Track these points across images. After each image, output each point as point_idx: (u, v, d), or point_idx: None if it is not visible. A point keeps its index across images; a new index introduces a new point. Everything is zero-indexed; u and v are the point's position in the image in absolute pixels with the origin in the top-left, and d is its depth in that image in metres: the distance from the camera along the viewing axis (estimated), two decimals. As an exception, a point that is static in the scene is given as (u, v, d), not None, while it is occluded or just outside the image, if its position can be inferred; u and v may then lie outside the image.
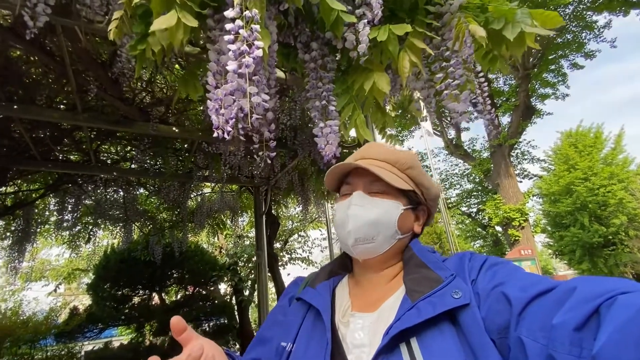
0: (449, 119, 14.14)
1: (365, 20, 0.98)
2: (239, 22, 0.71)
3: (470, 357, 0.50)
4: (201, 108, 3.86)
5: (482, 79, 1.34)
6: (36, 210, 4.98)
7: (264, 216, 5.19)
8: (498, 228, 14.04)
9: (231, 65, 0.71)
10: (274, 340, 0.70)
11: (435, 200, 0.79)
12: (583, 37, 11.32)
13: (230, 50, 0.71)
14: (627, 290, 0.39)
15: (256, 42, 0.71)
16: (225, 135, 0.85)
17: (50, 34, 2.45)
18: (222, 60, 0.88)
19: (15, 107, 2.70)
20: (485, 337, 0.50)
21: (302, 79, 2.44)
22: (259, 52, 0.70)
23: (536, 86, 12.80)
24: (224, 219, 6.78)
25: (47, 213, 5.44)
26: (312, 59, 1.07)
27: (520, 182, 14.73)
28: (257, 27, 0.71)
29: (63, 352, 5.65)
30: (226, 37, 0.72)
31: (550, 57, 11.60)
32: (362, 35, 0.97)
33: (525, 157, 15.46)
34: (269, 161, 0.97)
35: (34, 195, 4.66)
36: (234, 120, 0.86)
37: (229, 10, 0.73)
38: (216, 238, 8.91)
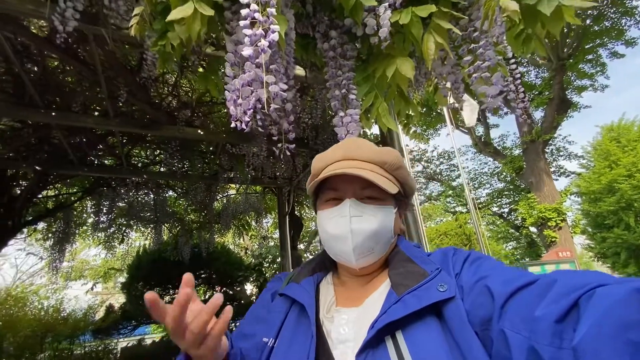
0: (477, 115, 13.63)
1: (387, 4, 0.94)
2: (254, 6, 0.68)
3: (455, 349, 0.50)
4: (225, 110, 3.94)
5: (514, 65, 1.25)
6: (75, 213, 5.28)
7: (287, 217, 5.21)
8: (532, 229, 13.32)
9: (247, 51, 0.69)
10: (255, 336, 0.68)
11: (413, 195, 0.79)
12: (623, 24, 10.55)
13: (246, 35, 0.68)
14: (605, 282, 0.39)
15: (272, 27, 0.69)
16: (244, 126, 0.84)
17: (82, 43, 2.58)
18: (239, 51, 0.86)
19: (53, 114, 2.87)
20: (469, 330, 0.50)
21: (322, 76, 2.41)
22: (275, 36, 0.68)
23: (572, 78, 12.06)
24: (249, 220, 6.89)
25: (84, 215, 5.75)
26: (331, 48, 1.03)
27: (556, 180, 13.94)
28: (273, 10, 0.69)
29: (100, 348, 5.93)
30: (242, 23, 0.70)
31: (587, 47, 10.89)
32: (383, 19, 0.93)
33: (561, 153, 14.61)
34: (288, 153, 0.94)
35: (72, 198, 4.95)
36: (252, 111, 0.84)
37: (245, -4, 0.71)
38: (241, 239, 9.07)
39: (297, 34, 1.14)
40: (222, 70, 1.28)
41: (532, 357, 0.40)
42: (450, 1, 0.96)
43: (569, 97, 11.72)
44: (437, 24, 0.92)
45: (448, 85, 1.08)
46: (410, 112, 1.14)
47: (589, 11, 10.18)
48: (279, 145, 0.95)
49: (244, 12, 0.71)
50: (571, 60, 10.63)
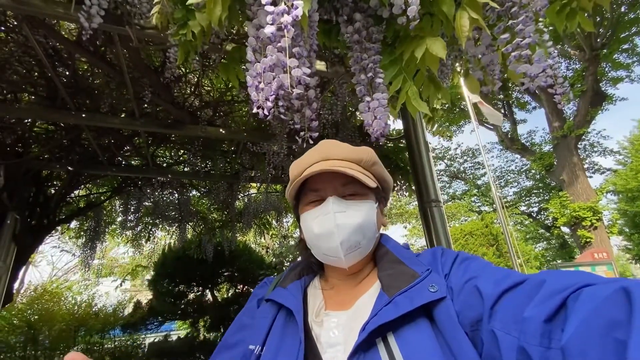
0: (503, 110, 13.15)
1: (415, -19, 0.88)
2: (276, -19, 0.65)
3: (447, 350, 0.50)
4: (246, 109, 3.97)
5: (551, 47, 1.15)
6: (104, 212, 5.49)
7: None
8: (565, 229, 12.69)
9: (269, 29, 0.65)
10: (241, 345, 0.67)
11: (391, 190, 0.79)
12: (663, 10, 9.83)
13: (268, 12, 0.65)
14: (592, 282, 0.40)
15: (295, 2, 0.65)
16: (266, 112, 0.80)
17: (109, 45, 2.66)
18: (261, 34, 0.83)
19: (84, 115, 2.98)
20: (459, 331, 0.50)
21: (343, 70, 2.35)
22: (299, 12, 0.64)
23: (606, 69, 11.39)
24: (270, 219, 6.93)
25: (113, 214, 5.98)
26: (355, 31, 0.98)
27: (590, 177, 13.18)
28: (296, -16, 0.65)
29: (128, 342, 6.14)
30: (264, 0, 0.66)
31: (622, 36, 10.24)
32: (411, -3, 0.87)
33: (596, 149, 13.85)
34: (311, 142, 0.90)
35: (102, 197, 5.15)
36: (274, 97, 0.81)
37: (266, -27, 0.67)
38: (262, 238, 9.15)
39: (320, 19, 1.09)
40: (243, 60, 1.27)
41: (522, 357, 0.40)
42: (485, -26, 0.89)
43: (603, 89, 11.07)
44: (471, -2, 0.85)
45: (483, 64, 1.01)
46: (440, 98, 1.07)
47: (625, -3, 9.56)
48: (302, 133, 0.91)
49: (265, -12, 0.67)
50: (605, 51, 10.03)
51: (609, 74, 11.64)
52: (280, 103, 0.87)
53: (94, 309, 6.03)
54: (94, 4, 1.29)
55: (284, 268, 7.18)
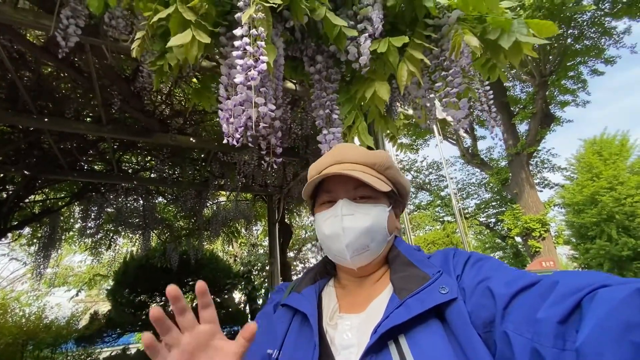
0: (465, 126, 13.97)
1: (367, 34, 1.04)
2: (246, 39, 0.78)
3: (459, 352, 0.50)
4: (217, 119, 4.01)
5: (487, 87, 1.37)
6: (62, 218, 5.23)
7: (277, 225, 5.26)
8: (518, 239, 13.61)
9: (238, 78, 0.78)
10: (259, 349, 0.67)
11: (408, 195, 0.79)
12: (602, 43, 11.07)
13: (238, 64, 0.77)
14: (608, 283, 0.40)
15: (261, 57, 0.78)
16: (235, 142, 0.92)
17: (79, 52, 2.64)
18: (232, 74, 0.95)
19: (46, 120, 2.90)
20: (472, 332, 0.50)
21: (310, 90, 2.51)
22: (264, 66, 0.77)
23: (555, 93, 12.54)
24: (239, 228, 6.90)
25: (71, 221, 5.69)
26: (317, 71, 1.13)
27: (541, 191, 14.32)
28: (263, 43, 0.78)
29: (83, 357, 5.81)
30: (234, 53, 0.79)
31: (568, 64, 11.37)
32: (363, 48, 1.03)
33: (546, 165, 15.06)
34: (275, 166, 1.03)
35: (60, 203, 4.91)
36: (242, 128, 0.93)
37: (238, 29, 0.80)
38: (231, 246, 9.04)
39: (288, 56, 1.23)
40: (215, 86, 1.37)
41: (535, 358, 0.40)
42: (424, 34, 1.08)
43: (552, 111, 12.15)
44: (411, 54, 1.03)
45: (423, 105, 1.19)
46: (388, 132, 1.24)
47: (570, 31, 10.66)
48: (267, 159, 1.03)
49: (236, 43, 0.80)
50: (554, 77, 11.08)
51: (557, 98, 12.82)
52: (249, 132, 0.99)
53: (44, 322, 5.65)
54: (71, 24, 1.34)
55: (252, 277, 7.13)
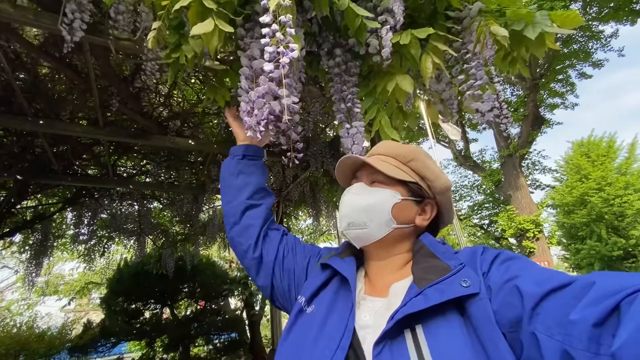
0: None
1: (388, 26, 1.02)
2: (275, 26, 0.75)
3: (479, 348, 0.49)
4: (216, 121, 3.97)
5: (498, 85, 1.36)
6: (54, 224, 5.08)
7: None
8: (512, 240, 13.75)
9: (267, 66, 0.75)
10: (296, 263, 0.85)
11: (446, 194, 0.77)
12: (590, 47, 11.36)
13: (267, 52, 0.75)
14: None
15: (291, 45, 0.75)
16: (258, 135, 0.89)
17: (77, 52, 2.58)
18: (254, 65, 0.92)
19: (41, 122, 2.82)
20: (496, 330, 0.49)
21: (316, 90, 2.49)
22: (295, 54, 0.74)
23: (544, 96, 12.78)
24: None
25: (64, 227, 5.54)
26: (336, 65, 1.11)
27: (532, 192, 14.51)
28: (292, 30, 0.76)
29: (76, 368, 5.64)
30: (262, 41, 0.76)
31: (557, 67, 11.63)
32: (385, 40, 1.01)
33: (537, 167, 15.29)
34: (297, 162, 1.00)
35: (52, 209, 4.77)
36: (265, 121, 0.90)
37: (265, 16, 0.78)
38: (227, 252, 8.92)
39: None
40: (228, 81, 1.34)
41: None
42: (445, 26, 1.06)
43: (542, 114, 12.37)
44: (434, 45, 1.01)
45: (444, 99, 1.18)
46: (406, 124, 1.22)
47: (558, 35, 10.94)
48: (288, 154, 1.00)
49: (264, 30, 0.77)
50: (543, 80, 11.30)
51: (547, 101, 13.08)
52: (270, 127, 0.96)
53: (36, 331, 5.47)
54: (77, 18, 1.30)
55: (248, 282, 7.03)
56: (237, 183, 0.93)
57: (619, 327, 0.36)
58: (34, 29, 2.94)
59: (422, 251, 0.68)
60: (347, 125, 1.02)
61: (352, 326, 0.59)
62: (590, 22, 10.47)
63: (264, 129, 0.90)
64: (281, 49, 0.74)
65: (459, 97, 1.15)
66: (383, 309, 0.61)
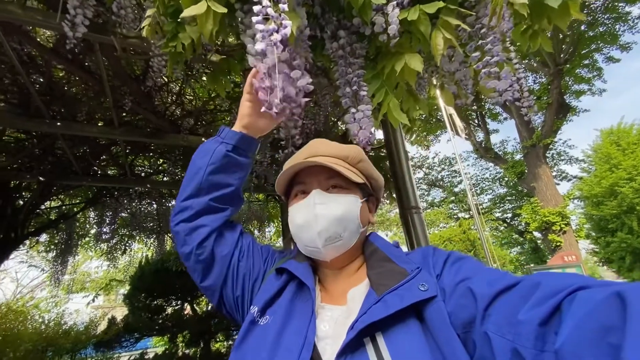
0: (476, 121, 13.73)
1: (395, 2, 0.95)
2: (266, 1, 0.70)
3: (436, 352, 0.50)
4: (228, 119, 3.97)
5: (517, 65, 1.26)
6: (77, 224, 5.27)
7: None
8: (537, 234, 13.26)
9: (259, 45, 0.70)
10: (255, 266, 0.76)
11: (382, 190, 0.80)
12: (617, 30, 10.71)
13: (259, 31, 0.70)
14: (586, 285, 0.40)
15: (284, 22, 0.70)
16: (275, 112, 0.81)
17: (88, 53, 2.62)
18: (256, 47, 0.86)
19: (59, 124, 2.89)
20: (451, 332, 0.50)
21: (326, 81, 2.43)
22: (287, 31, 0.68)
23: (569, 82, 12.18)
24: (252, 229, 6.86)
25: (87, 226, 5.74)
26: (340, 47, 1.04)
27: (558, 184, 13.91)
28: (285, 6, 0.70)
29: (102, 362, 5.84)
30: (254, 19, 0.71)
31: (582, 52, 11.04)
32: (391, 17, 0.94)
33: (562, 157, 14.66)
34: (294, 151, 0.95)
35: (75, 209, 4.94)
36: (281, 94, 0.82)
37: (257, -7, 0.72)
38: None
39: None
40: (230, 71, 1.30)
41: (516, 359, 0.41)
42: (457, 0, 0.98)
43: (567, 101, 11.81)
44: (445, 20, 0.93)
45: (457, 79, 1.09)
46: (418, 109, 1.15)
47: (580, 18, 10.36)
48: (285, 150, 0.95)
49: (256, 8, 0.72)
50: (568, 66, 10.76)
51: (572, 88, 12.46)
52: (276, 109, 0.88)
53: (63, 327, 5.70)
54: (79, 14, 1.29)
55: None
56: (210, 180, 0.75)
57: (560, 325, 0.38)
58: (47, 32, 3.02)
59: (376, 255, 0.67)
60: (353, 110, 0.96)
61: (312, 338, 0.56)
62: (616, 3, 9.86)
63: (280, 104, 0.82)
64: (273, 25, 0.69)
65: (475, 77, 1.07)
66: (342, 317, 0.59)
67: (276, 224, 7.76)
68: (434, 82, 1.76)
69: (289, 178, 0.75)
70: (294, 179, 0.75)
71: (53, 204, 4.72)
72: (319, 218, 0.65)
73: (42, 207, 4.48)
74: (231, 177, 0.78)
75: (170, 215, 0.78)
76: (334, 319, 0.60)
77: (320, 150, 0.74)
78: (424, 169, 17.04)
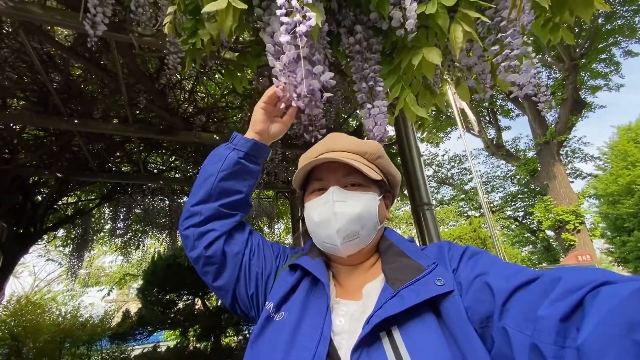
0: (487, 117, 13.51)
1: (412, -4, 0.94)
2: (290, -4, 0.70)
3: (454, 346, 0.49)
4: (240, 116, 4.01)
5: (535, 59, 1.24)
6: (93, 219, 5.40)
7: (300, 222, 5.21)
8: (549, 233, 13.02)
9: (283, 37, 0.70)
10: (267, 264, 0.75)
11: (398, 186, 0.79)
12: (636, 22, 10.37)
13: (283, 23, 0.70)
14: (610, 280, 0.39)
15: (308, 14, 0.70)
16: (302, 104, 0.81)
17: (105, 52, 2.67)
18: (275, 40, 0.87)
19: (76, 121, 2.96)
20: (468, 326, 0.49)
21: (338, 78, 2.43)
22: (312, 22, 0.69)
23: (585, 78, 11.87)
24: (261, 225, 6.91)
25: (102, 222, 5.87)
26: (357, 42, 1.04)
27: (572, 182, 13.63)
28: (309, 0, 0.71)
29: (117, 354, 5.98)
30: (278, 12, 0.71)
31: (599, 46, 10.73)
32: (409, 11, 0.93)
33: (577, 155, 14.33)
34: (319, 137, 0.95)
35: (90, 205, 5.06)
36: (304, 86, 0.83)
37: (279, -12, 0.73)
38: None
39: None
40: (247, 67, 1.31)
41: (535, 355, 0.40)
42: (476, -9, 0.97)
43: (583, 97, 11.51)
44: (465, 13, 0.92)
45: (476, 73, 1.08)
46: (435, 104, 1.14)
47: (600, 9, 10.07)
48: (310, 129, 0.94)
49: (280, 1, 0.72)
50: (584, 60, 10.48)
51: (588, 83, 12.13)
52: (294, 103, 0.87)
53: (80, 320, 5.87)
54: (99, 12, 1.32)
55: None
56: (220, 186, 0.75)
57: (583, 321, 0.36)
58: (65, 31, 3.08)
59: (392, 250, 0.67)
60: (369, 106, 0.96)
61: (328, 333, 0.56)
62: (637, -6, 9.55)
63: (306, 95, 0.81)
64: (298, 17, 0.70)
65: (492, 71, 1.06)
66: (358, 312, 0.59)
67: (285, 220, 7.80)
68: (446, 77, 1.75)
69: (306, 173, 0.74)
70: (310, 174, 0.75)
71: (70, 199, 4.85)
72: (338, 216, 0.65)
73: (60, 202, 4.60)
74: (241, 184, 0.79)
75: (180, 219, 0.78)
76: (350, 314, 0.60)
77: (337, 145, 0.73)
78: (433, 166, 16.88)
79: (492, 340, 0.47)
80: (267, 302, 0.67)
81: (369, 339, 0.52)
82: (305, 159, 0.75)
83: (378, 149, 0.73)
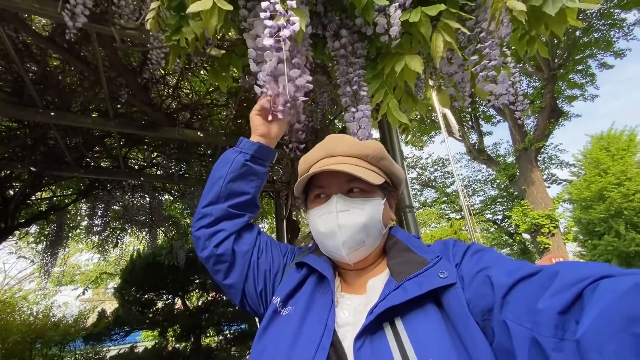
0: (470, 122, 13.85)
1: (397, 4, 0.97)
2: (275, -1, 0.71)
3: (456, 338, 0.50)
4: (224, 113, 3.96)
5: (513, 69, 1.29)
6: (68, 216, 5.20)
7: (284, 221, 5.20)
8: (526, 236, 13.47)
9: (267, 41, 0.71)
10: (275, 262, 0.78)
11: (402, 184, 0.79)
12: (611, 36, 10.88)
13: (267, 27, 0.71)
14: (609, 274, 0.39)
15: (292, 18, 0.71)
16: (279, 116, 0.84)
17: (85, 43, 2.59)
18: (258, 44, 0.88)
19: (52, 114, 2.85)
20: (469, 318, 0.50)
21: (324, 79, 2.43)
22: (296, 27, 0.70)
23: (562, 87, 12.35)
24: (246, 224, 6.84)
25: (78, 218, 5.67)
26: (342, 46, 1.06)
27: (548, 187, 14.14)
28: (293, 3, 0.71)
29: (91, 355, 5.80)
30: (262, 15, 0.72)
31: (576, 57, 11.20)
32: (393, 18, 0.95)
33: (553, 161, 14.89)
34: (299, 153, 0.96)
35: (66, 200, 4.88)
36: (284, 100, 0.84)
37: (265, -10, 0.73)
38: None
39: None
40: (232, 65, 1.30)
41: (534, 348, 0.40)
42: (458, 2, 1.00)
43: (560, 106, 11.97)
44: (446, 23, 0.95)
45: (456, 81, 1.11)
46: (416, 110, 1.17)
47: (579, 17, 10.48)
48: (290, 145, 0.96)
49: (264, 4, 0.73)
50: (561, 71, 10.90)
51: (565, 93, 12.64)
52: (280, 108, 0.89)
53: (52, 320, 5.65)
54: (79, 3, 1.28)
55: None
56: (229, 188, 0.79)
57: (582, 314, 0.37)
58: (43, 20, 2.97)
59: (397, 246, 0.69)
60: (353, 109, 0.97)
61: (332, 325, 0.58)
62: (611, 10, 10.01)
63: (283, 108, 0.84)
64: (282, 21, 0.70)
65: (472, 80, 1.09)
66: (362, 305, 0.61)
67: (270, 220, 7.75)
68: (431, 83, 1.79)
69: (305, 181, 0.74)
70: (312, 180, 0.74)
71: (44, 195, 4.66)
72: (342, 228, 0.65)
73: (33, 198, 4.41)
74: (249, 185, 0.82)
75: (192, 220, 0.82)
76: (354, 307, 0.61)
77: (338, 149, 0.72)
78: (417, 169, 17.16)
79: (493, 333, 0.47)
80: (274, 297, 0.69)
81: (372, 328, 0.53)
82: (305, 163, 0.76)
83: (380, 151, 0.73)
